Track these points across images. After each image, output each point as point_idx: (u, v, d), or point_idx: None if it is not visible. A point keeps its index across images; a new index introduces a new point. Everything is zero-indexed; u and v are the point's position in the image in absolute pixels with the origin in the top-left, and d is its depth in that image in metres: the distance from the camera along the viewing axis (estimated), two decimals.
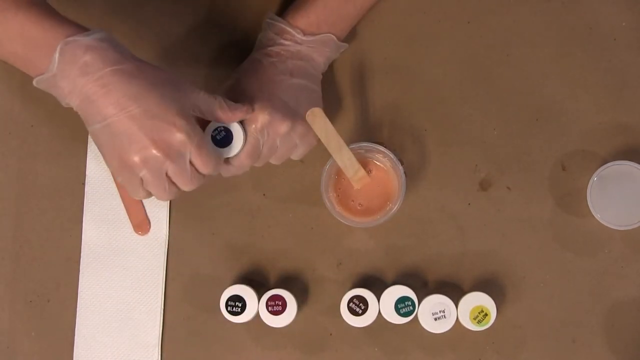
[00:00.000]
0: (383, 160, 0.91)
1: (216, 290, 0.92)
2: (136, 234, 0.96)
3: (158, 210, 0.96)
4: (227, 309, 0.91)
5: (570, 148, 0.94)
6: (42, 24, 0.75)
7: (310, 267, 0.95)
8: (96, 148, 0.95)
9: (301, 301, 0.93)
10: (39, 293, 0.96)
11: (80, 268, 0.96)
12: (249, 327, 0.93)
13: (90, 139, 0.97)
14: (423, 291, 0.92)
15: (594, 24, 0.95)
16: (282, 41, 0.88)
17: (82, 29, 0.76)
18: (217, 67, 0.96)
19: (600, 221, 0.90)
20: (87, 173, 0.96)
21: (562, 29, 0.96)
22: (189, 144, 0.75)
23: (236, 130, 0.82)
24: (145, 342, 0.94)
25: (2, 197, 0.96)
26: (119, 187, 0.96)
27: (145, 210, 0.96)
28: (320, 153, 0.88)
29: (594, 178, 0.90)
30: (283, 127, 0.83)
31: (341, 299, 0.90)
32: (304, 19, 0.88)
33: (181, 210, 0.96)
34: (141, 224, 0.96)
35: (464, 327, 0.90)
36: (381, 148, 0.89)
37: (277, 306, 0.91)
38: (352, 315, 0.90)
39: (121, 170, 0.77)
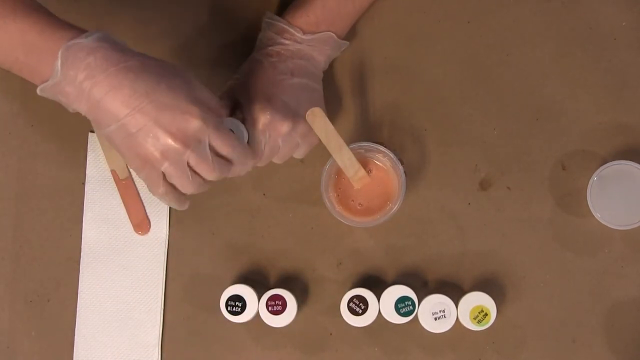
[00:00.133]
0: (383, 160, 0.91)
1: (216, 290, 0.92)
2: (136, 234, 0.96)
3: (158, 210, 0.96)
4: (227, 308, 0.91)
5: (570, 148, 0.94)
6: (42, 29, 0.74)
7: (310, 267, 0.95)
8: (96, 148, 0.96)
9: (301, 301, 0.93)
10: (39, 293, 0.95)
11: (80, 268, 0.95)
12: (249, 327, 0.93)
13: (90, 139, 0.97)
14: (423, 291, 0.92)
15: (594, 24, 0.95)
16: (282, 40, 0.88)
17: (81, 31, 0.75)
18: (218, 68, 0.96)
19: (600, 221, 0.90)
20: (87, 173, 0.96)
21: (562, 29, 0.96)
22: (206, 128, 0.74)
23: (238, 130, 0.82)
24: (145, 342, 0.94)
25: (2, 197, 0.96)
26: (119, 186, 0.96)
27: (145, 210, 0.96)
28: (320, 153, 0.88)
29: (594, 178, 0.90)
30: (284, 127, 0.83)
31: (341, 298, 0.90)
32: (303, 18, 0.88)
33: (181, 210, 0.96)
34: (141, 224, 0.96)
35: (464, 327, 0.90)
36: (381, 148, 0.89)
37: (277, 306, 0.91)
38: (352, 315, 0.90)
39: (143, 168, 0.75)
